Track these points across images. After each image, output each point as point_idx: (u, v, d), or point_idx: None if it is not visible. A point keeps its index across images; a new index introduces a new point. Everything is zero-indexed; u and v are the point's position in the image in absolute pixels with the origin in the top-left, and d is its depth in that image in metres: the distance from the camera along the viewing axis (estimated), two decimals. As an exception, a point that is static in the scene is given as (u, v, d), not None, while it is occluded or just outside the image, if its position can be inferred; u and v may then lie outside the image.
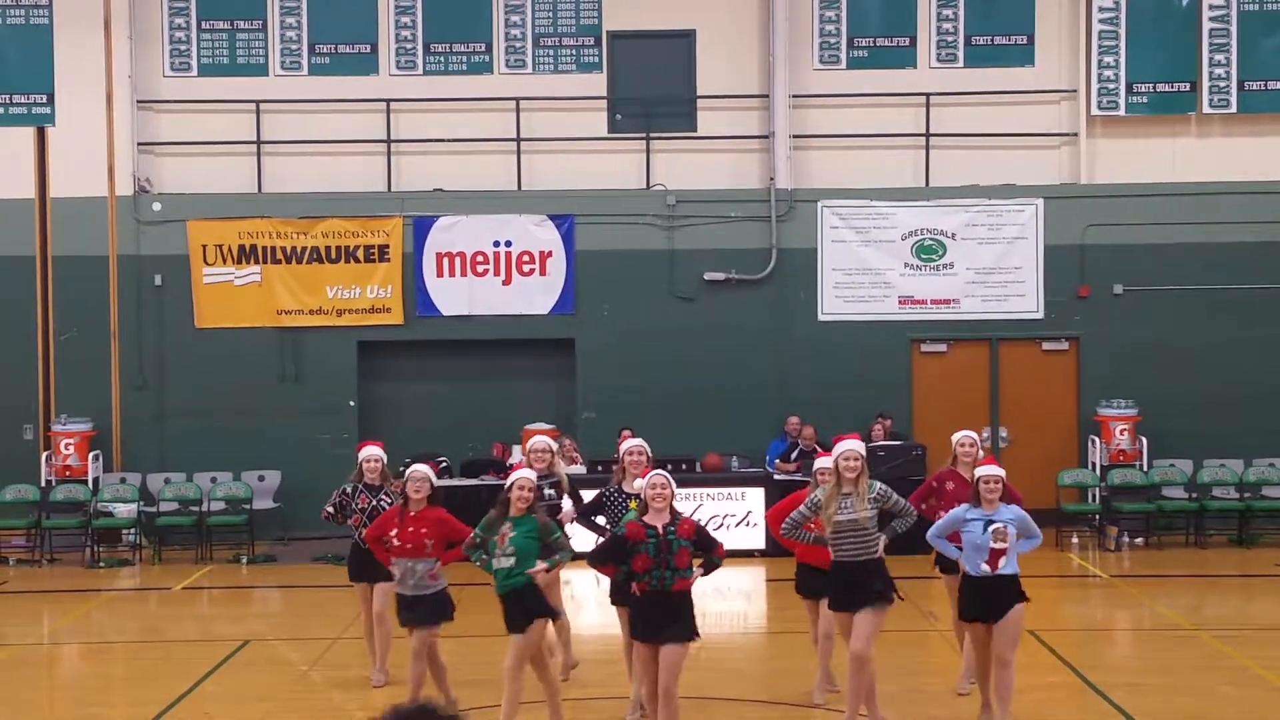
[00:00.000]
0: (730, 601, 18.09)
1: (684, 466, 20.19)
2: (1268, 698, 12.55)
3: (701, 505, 19.60)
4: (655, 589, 9.89)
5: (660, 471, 10.31)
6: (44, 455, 21.73)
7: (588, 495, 12.67)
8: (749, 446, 21.31)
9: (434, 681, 11.67)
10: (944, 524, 11.43)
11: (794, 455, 20.69)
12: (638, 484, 10.60)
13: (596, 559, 10.59)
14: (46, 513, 21.15)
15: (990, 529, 10.92)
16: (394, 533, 11.43)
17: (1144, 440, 21.63)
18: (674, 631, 9.93)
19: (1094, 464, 21.77)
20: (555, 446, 12.93)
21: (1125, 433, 21.54)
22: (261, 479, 21.86)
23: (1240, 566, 19.70)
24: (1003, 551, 10.94)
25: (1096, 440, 21.76)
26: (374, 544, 11.90)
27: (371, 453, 13.54)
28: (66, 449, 21.46)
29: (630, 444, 12.34)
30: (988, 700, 11.19)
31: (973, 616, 11.10)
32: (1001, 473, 11.19)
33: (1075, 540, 21.22)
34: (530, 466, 12.27)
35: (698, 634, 10.21)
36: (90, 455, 21.58)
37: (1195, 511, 21.30)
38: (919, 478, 19.78)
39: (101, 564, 20.60)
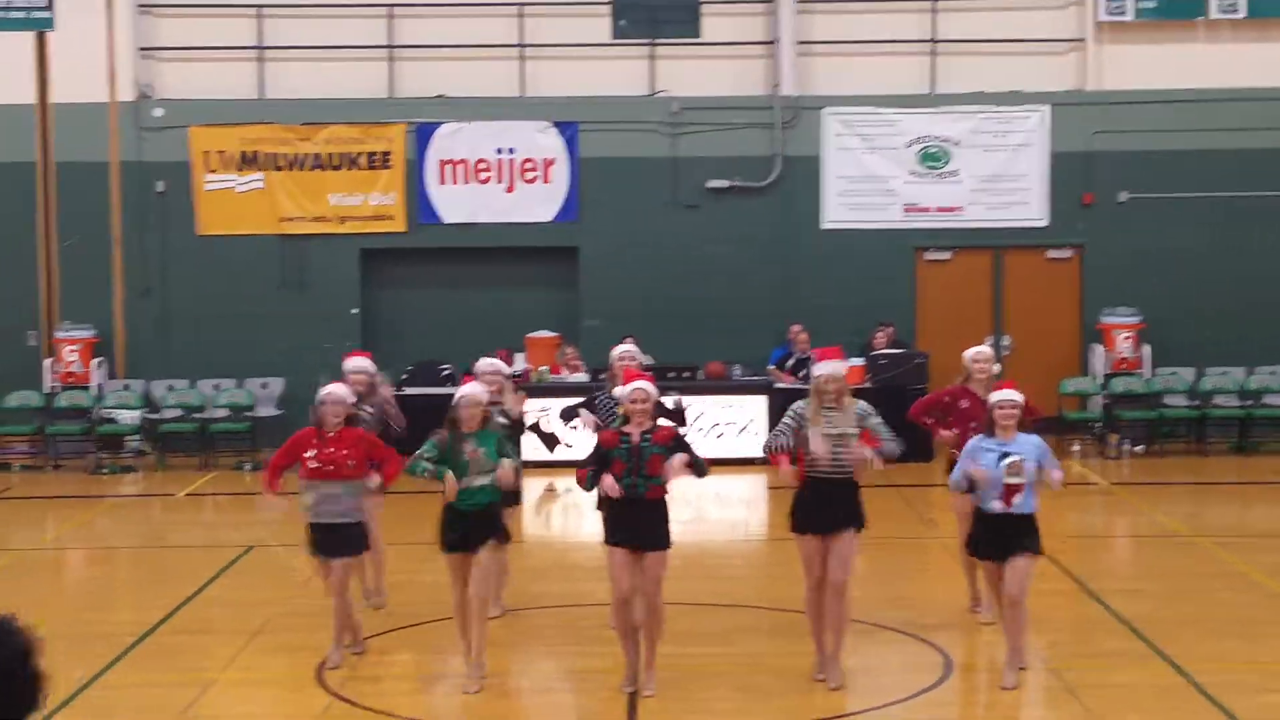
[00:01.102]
0: (730, 509, 18.18)
1: (686, 374, 20.23)
2: (1264, 602, 12.62)
3: (704, 413, 19.64)
4: (629, 497, 9.86)
5: (640, 381, 10.07)
6: (47, 362, 21.76)
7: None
8: (752, 354, 21.32)
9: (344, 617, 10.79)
10: (963, 463, 10.21)
11: (789, 363, 20.70)
12: (618, 391, 10.42)
13: (582, 467, 10.16)
14: (50, 419, 21.24)
15: (1005, 462, 9.80)
16: (310, 454, 10.38)
17: (1146, 348, 21.63)
18: (650, 539, 9.92)
19: (1096, 372, 21.77)
20: (507, 371, 12.13)
21: (1128, 340, 21.53)
22: (264, 386, 21.90)
23: (1240, 474, 19.77)
24: (1018, 488, 9.82)
25: (1099, 348, 21.75)
26: (274, 472, 10.74)
27: (356, 364, 12.38)
28: (70, 355, 21.50)
29: (620, 349, 12.06)
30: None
31: (985, 555, 10.25)
32: (1020, 397, 10.06)
33: (1076, 448, 21.28)
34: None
35: (670, 542, 10.10)
36: (93, 362, 21.62)
37: (1197, 419, 21.36)
38: (921, 386, 19.87)
39: (105, 470, 20.69)
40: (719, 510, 17.96)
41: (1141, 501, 17.75)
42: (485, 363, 12.01)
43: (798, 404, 10.23)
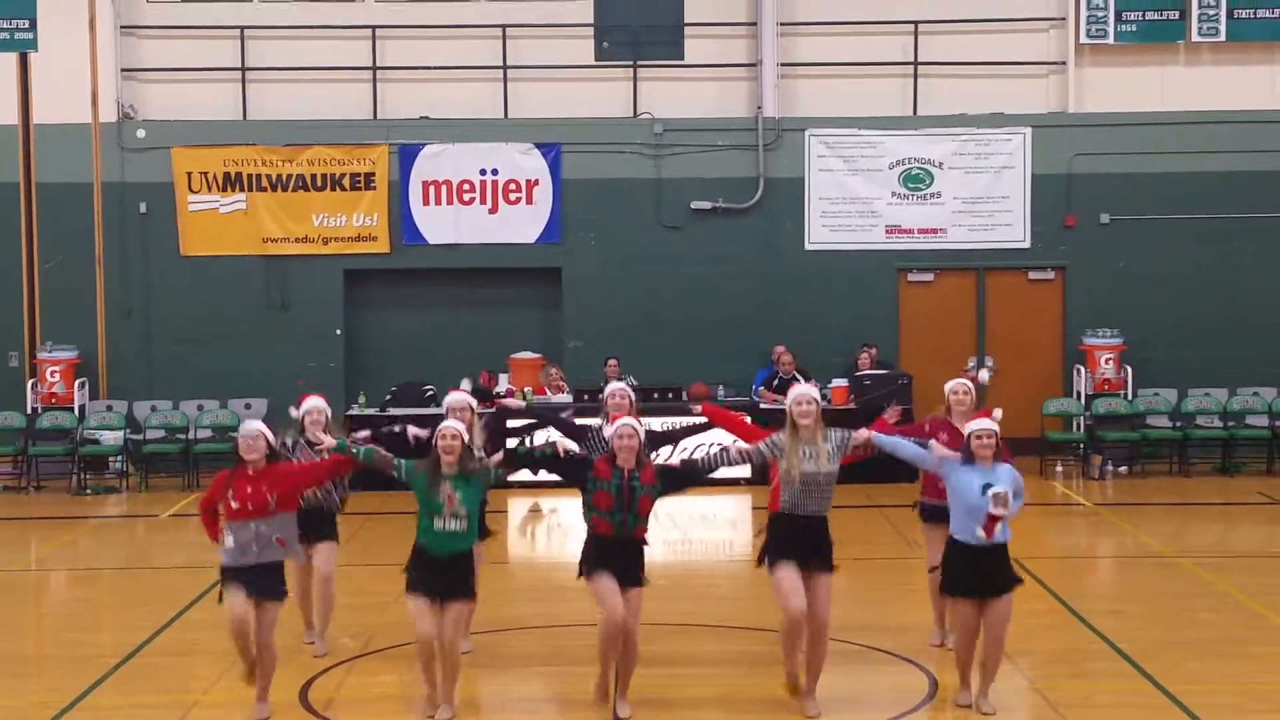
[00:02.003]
0: (715, 529, 18.18)
1: (670, 395, 20.25)
2: (1247, 623, 12.66)
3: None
4: (617, 535, 9.83)
5: (628, 420, 9.97)
6: (30, 383, 21.71)
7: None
8: (735, 375, 21.35)
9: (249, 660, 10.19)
10: (916, 454, 10.19)
11: (775, 384, 20.73)
12: (608, 431, 10.34)
13: (554, 463, 10.15)
14: (33, 440, 21.18)
15: (991, 492, 9.70)
16: (230, 493, 9.90)
17: (1129, 369, 21.69)
18: (633, 576, 9.94)
19: (1079, 393, 21.83)
20: (475, 405, 11.64)
21: (1110, 362, 21.59)
22: (248, 406, 21.86)
23: (1223, 495, 19.81)
24: (999, 518, 9.74)
25: (1082, 369, 21.82)
26: (205, 515, 10.32)
27: (315, 405, 11.69)
28: (52, 376, 21.45)
29: (614, 387, 11.89)
30: (967, 679, 10.23)
31: (962, 591, 9.94)
32: (995, 427, 9.98)
33: (1059, 469, 21.31)
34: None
35: (647, 580, 10.15)
36: (76, 383, 21.57)
37: (1179, 440, 21.41)
38: (905, 406, 19.85)
39: (88, 491, 20.64)
40: (704, 531, 17.96)
41: (1124, 522, 17.78)
42: (453, 397, 11.64)
43: (778, 434, 10.12)
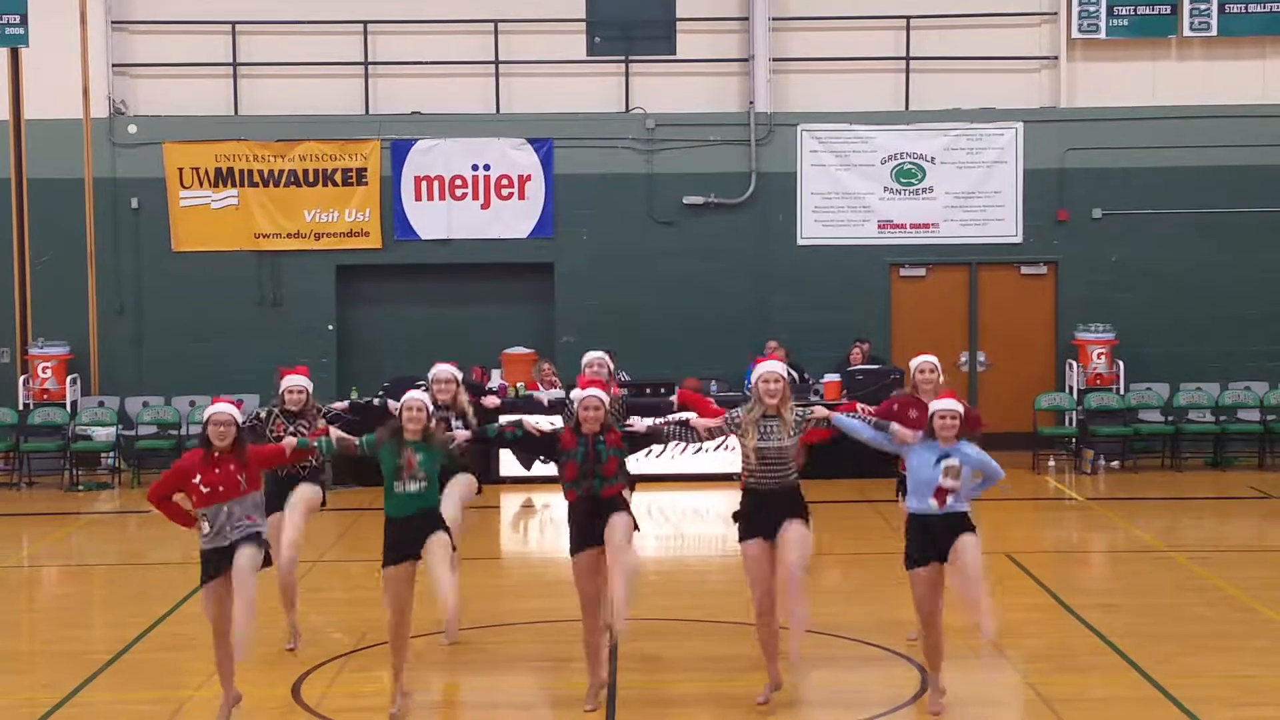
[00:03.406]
0: (707, 524, 18.19)
1: (662, 390, 20.22)
2: (1239, 616, 12.68)
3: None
4: (584, 497, 9.97)
5: (595, 390, 10.06)
6: (21, 379, 21.69)
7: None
8: (728, 370, 21.34)
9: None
10: (874, 437, 10.05)
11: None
12: (574, 394, 10.33)
13: (524, 442, 10.26)
14: (24, 436, 21.16)
15: (943, 462, 9.72)
16: (198, 479, 9.73)
17: (1121, 364, 21.71)
18: (616, 522, 9.98)
19: (1071, 387, 21.86)
20: (459, 377, 11.83)
21: (1102, 356, 21.61)
22: (240, 402, 21.76)
23: (1215, 489, 19.85)
24: (952, 489, 9.74)
25: (1074, 364, 21.84)
26: (162, 504, 9.96)
27: (295, 382, 11.88)
28: (44, 372, 21.42)
29: (591, 355, 11.97)
30: (936, 663, 10.04)
31: (924, 558, 9.83)
32: (959, 407, 9.89)
33: (1052, 463, 21.37)
34: (435, 397, 11.40)
35: (637, 525, 10.17)
36: (68, 379, 21.55)
37: (1171, 435, 21.44)
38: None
39: (80, 487, 20.62)
40: (696, 525, 17.98)
41: (1117, 516, 17.80)
42: (440, 369, 11.84)
43: (735, 411, 10.17)
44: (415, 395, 10.17)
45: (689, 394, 11.76)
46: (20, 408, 21.45)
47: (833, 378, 20.52)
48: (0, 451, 21.35)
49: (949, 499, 9.77)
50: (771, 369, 10.09)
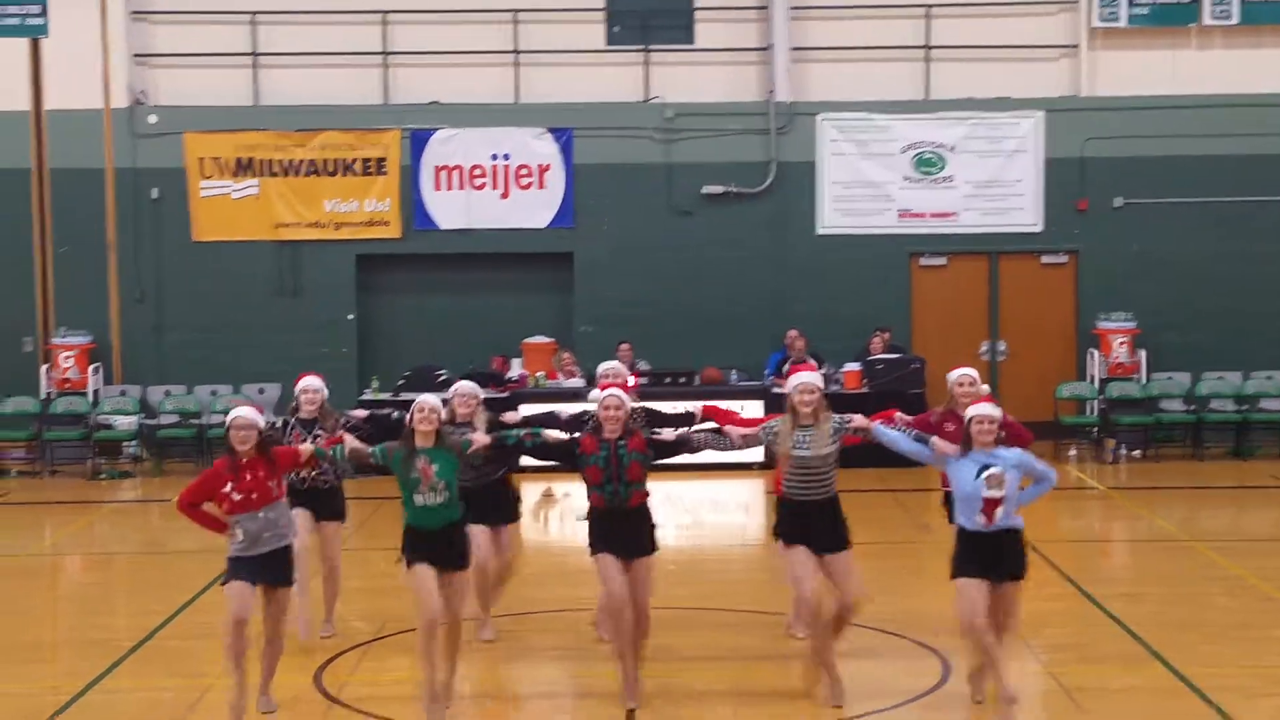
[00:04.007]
0: (727, 514, 18.20)
1: (682, 380, 20.27)
2: (1260, 607, 12.65)
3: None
4: (611, 506, 9.83)
5: (614, 390, 9.94)
6: (43, 368, 21.76)
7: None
8: (748, 359, 21.35)
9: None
10: (914, 449, 9.82)
11: (786, 368, 20.70)
12: (592, 394, 10.24)
13: (542, 448, 10.14)
14: (47, 425, 21.24)
15: (985, 474, 9.33)
16: (229, 487, 9.64)
17: (1142, 353, 21.66)
18: (637, 547, 9.92)
19: (1092, 377, 21.82)
20: (480, 395, 11.45)
21: (1124, 345, 21.57)
22: (261, 391, 21.90)
23: (1237, 478, 19.80)
24: (998, 501, 9.33)
25: (1095, 353, 21.79)
26: (192, 511, 9.85)
27: (309, 384, 11.74)
28: (66, 362, 21.50)
29: (606, 366, 11.73)
30: (989, 671, 9.72)
31: (968, 572, 9.46)
32: (998, 413, 9.58)
33: (1073, 453, 21.33)
34: (455, 412, 11.21)
35: (656, 547, 10.12)
36: (90, 368, 21.62)
37: (1193, 424, 21.40)
38: (918, 390, 19.93)
39: (103, 476, 20.69)
40: (716, 515, 17.98)
41: (1138, 506, 17.77)
42: (462, 385, 11.55)
43: (773, 421, 10.07)
44: (428, 398, 9.97)
45: (714, 409, 11.45)
46: (43, 397, 21.53)
47: (853, 367, 20.53)
48: (23, 440, 21.43)
49: (998, 512, 9.37)
50: (807, 380, 9.96)
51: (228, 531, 9.77)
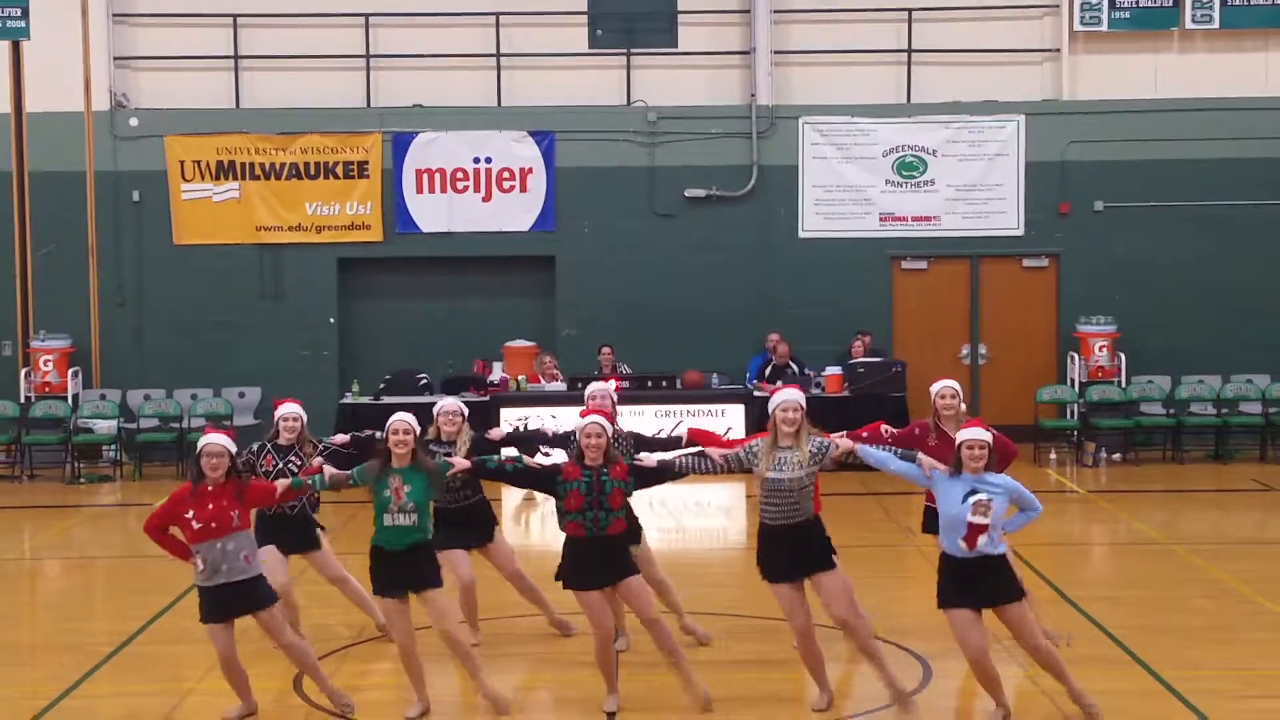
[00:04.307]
0: (709, 517, 18.20)
1: (664, 384, 20.28)
2: (1240, 609, 12.68)
3: (681, 421, 19.64)
4: (591, 535, 9.71)
5: (597, 418, 9.84)
6: (23, 372, 21.70)
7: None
8: (730, 363, 21.36)
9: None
10: (902, 469, 9.66)
11: (768, 372, 20.75)
12: (578, 423, 10.13)
13: (523, 476, 10.02)
14: (26, 429, 21.16)
15: (971, 499, 9.20)
16: (190, 514, 9.54)
17: (1123, 357, 21.71)
18: (622, 570, 9.85)
19: (1073, 380, 21.85)
20: (465, 411, 11.45)
21: (1104, 349, 21.61)
22: (242, 395, 21.86)
23: (1216, 482, 19.83)
24: (983, 528, 9.18)
25: (1075, 357, 21.83)
26: (157, 535, 9.79)
27: (289, 410, 11.44)
28: (45, 365, 21.44)
29: (595, 388, 11.36)
30: (1000, 699, 9.71)
31: (953, 603, 9.36)
32: (988, 436, 9.42)
33: (1053, 456, 21.38)
34: (440, 430, 11.25)
35: (637, 568, 10.12)
36: (69, 372, 21.56)
37: (1173, 427, 21.43)
38: (899, 394, 19.97)
39: (82, 480, 20.63)
40: (698, 519, 17.99)
41: (1118, 509, 17.80)
42: (447, 403, 11.49)
43: (756, 441, 9.93)
44: (402, 417, 9.87)
45: (698, 432, 11.26)
46: (22, 400, 21.46)
47: (834, 370, 20.55)
48: (2, 444, 21.35)
49: (981, 539, 9.23)
50: (790, 398, 9.74)
51: (190, 559, 9.66)
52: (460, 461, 10.21)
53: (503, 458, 10.41)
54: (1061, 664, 9.67)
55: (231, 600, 9.66)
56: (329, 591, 12.32)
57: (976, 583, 9.34)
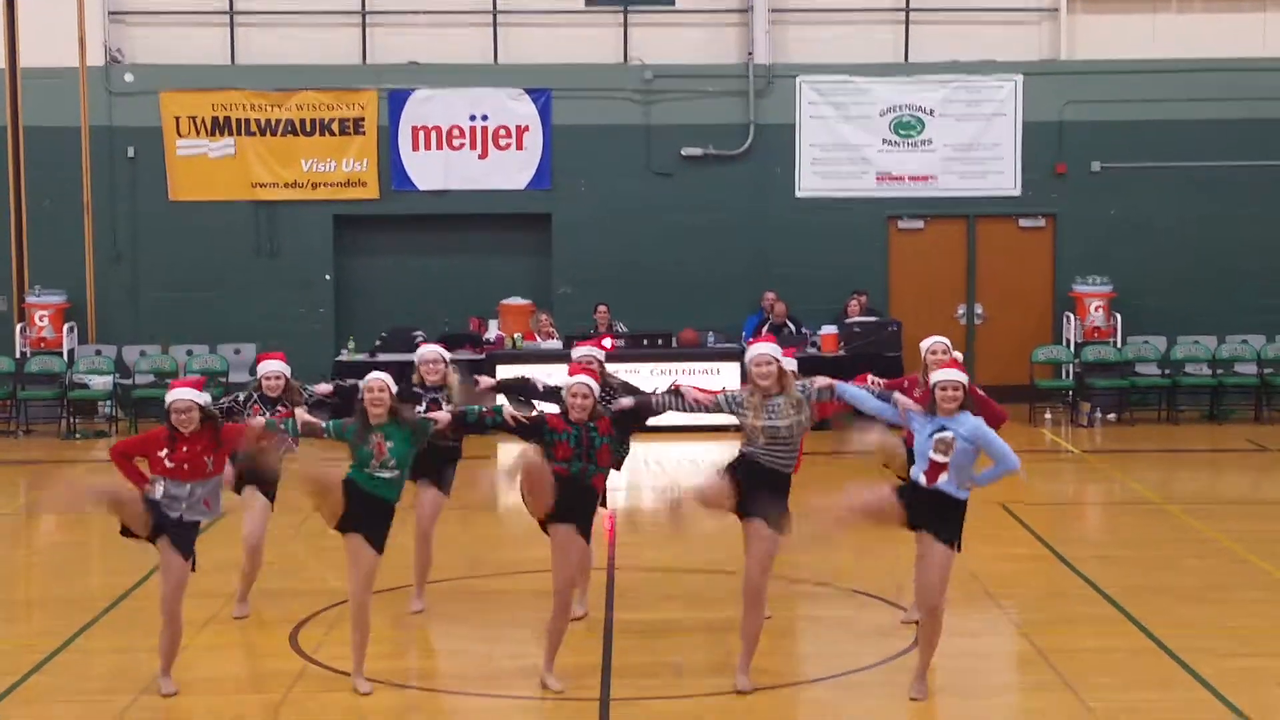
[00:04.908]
0: (701, 475, 18.18)
1: (660, 342, 20.28)
2: (1233, 568, 12.72)
3: (678, 380, 19.63)
4: (574, 477, 9.63)
5: (584, 378, 9.75)
6: (18, 327, 21.69)
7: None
8: (726, 322, 21.36)
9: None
10: (878, 407, 9.70)
11: (764, 331, 20.73)
12: (561, 381, 10.09)
13: (506, 428, 9.85)
14: (22, 384, 21.17)
15: (936, 436, 9.17)
16: (164, 453, 9.46)
17: (1118, 317, 21.73)
18: (586, 525, 9.84)
19: (1068, 340, 21.87)
20: (449, 357, 11.40)
21: (1100, 309, 21.62)
22: (237, 352, 21.85)
23: (1211, 442, 19.89)
24: (943, 467, 9.14)
25: (1071, 317, 21.85)
26: (121, 460, 9.66)
27: (270, 368, 11.34)
28: (41, 321, 21.42)
29: (580, 352, 11.30)
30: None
31: (912, 524, 9.37)
32: (963, 378, 9.32)
33: (1049, 416, 21.41)
34: (423, 378, 11.23)
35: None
36: (65, 327, 21.55)
37: (1168, 387, 21.48)
38: (895, 353, 19.98)
39: (77, 435, 20.65)
40: (691, 477, 17.98)
41: (1113, 469, 17.84)
42: (426, 350, 11.46)
43: (735, 391, 9.81)
44: (376, 376, 9.77)
45: (681, 386, 11.07)
46: (17, 356, 21.46)
47: (830, 329, 20.55)
48: (-3, 400, 21.36)
49: (941, 477, 9.16)
50: (763, 351, 9.61)
51: (146, 486, 9.56)
52: (441, 415, 10.17)
53: (482, 409, 10.36)
54: (935, 639, 9.44)
55: (181, 535, 9.56)
56: (324, 544, 12.34)
57: (924, 509, 9.25)
